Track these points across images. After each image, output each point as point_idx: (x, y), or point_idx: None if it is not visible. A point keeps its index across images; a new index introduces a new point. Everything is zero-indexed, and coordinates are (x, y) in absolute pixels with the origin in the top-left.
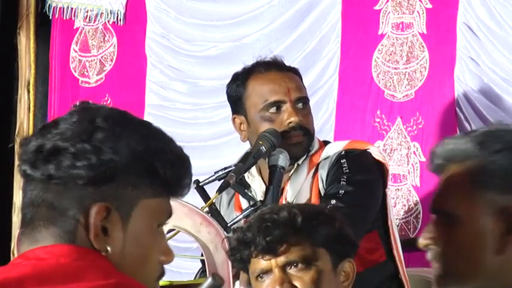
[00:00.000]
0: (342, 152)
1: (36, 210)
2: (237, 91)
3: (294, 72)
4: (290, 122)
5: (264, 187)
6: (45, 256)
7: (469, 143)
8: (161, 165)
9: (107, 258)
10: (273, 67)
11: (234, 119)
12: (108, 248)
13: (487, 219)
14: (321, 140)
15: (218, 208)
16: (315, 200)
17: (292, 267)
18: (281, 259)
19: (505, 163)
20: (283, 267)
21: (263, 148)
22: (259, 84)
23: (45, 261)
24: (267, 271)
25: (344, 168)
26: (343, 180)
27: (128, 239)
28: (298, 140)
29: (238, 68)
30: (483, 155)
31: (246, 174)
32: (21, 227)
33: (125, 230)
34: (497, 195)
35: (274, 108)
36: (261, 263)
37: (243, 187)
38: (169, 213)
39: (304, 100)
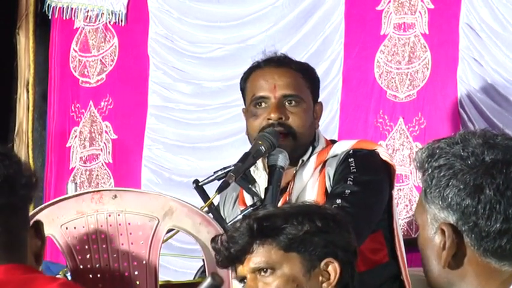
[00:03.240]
0: (350, 151)
1: None
2: (242, 84)
3: (296, 69)
4: (269, 119)
5: None
6: None
7: (424, 153)
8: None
9: None
10: (272, 63)
11: (243, 111)
12: None
13: (432, 232)
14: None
15: (223, 207)
16: (320, 197)
17: (261, 273)
18: (247, 266)
19: (443, 180)
20: (253, 274)
21: (262, 148)
22: (254, 79)
23: None
24: (244, 278)
25: (351, 168)
26: (349, 180)
27: None
28: None
29: (242, 69)
30: (428, 168)
31: (252, 169)
32: None
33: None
34: (437, 209)
35: (259, 103)
36: (237, 270)
37: (247, 183)
38: None
39: (293, 98)
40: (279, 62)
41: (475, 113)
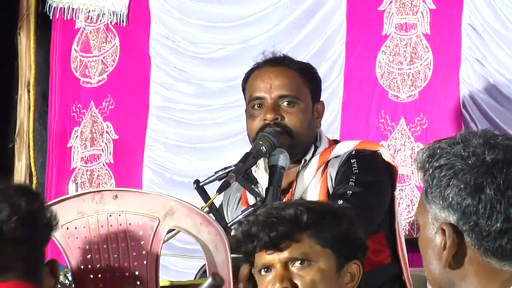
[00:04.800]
0: (352, 151)
1: None
2: (243, 85)
3: (294, 68)
4: (265, 120)
5: None
6: None
7: (425, 153)
8: None
9: None
10: (270, 63)
11: (245, 111)
12: None
13: (433, 231)
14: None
15: (227, 207)
16: (322, 198)
17: (295, 264)
18: (284, 255)
19: (443, 179)
20: (285, 264)
21: (263, 148)
22: (252, 79)
23: None
24: (270, 266)
25: (354, 169)
26: (352, 181)
27: None
28: None
29: (244, 69)
30: (428, 168)
31: (253, 169)
32: None
33: None
34: (438, 209)
35: (257, 104)
36: (264, 257)
37: (250, 183)
38: None
39: (290, 99)
40: (276, 62)
41: (477, 114)
